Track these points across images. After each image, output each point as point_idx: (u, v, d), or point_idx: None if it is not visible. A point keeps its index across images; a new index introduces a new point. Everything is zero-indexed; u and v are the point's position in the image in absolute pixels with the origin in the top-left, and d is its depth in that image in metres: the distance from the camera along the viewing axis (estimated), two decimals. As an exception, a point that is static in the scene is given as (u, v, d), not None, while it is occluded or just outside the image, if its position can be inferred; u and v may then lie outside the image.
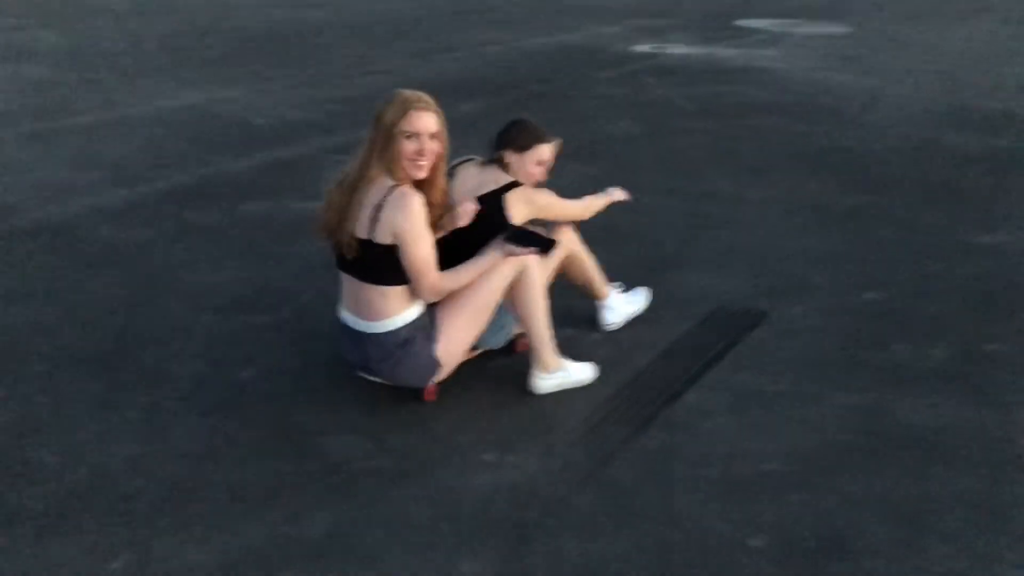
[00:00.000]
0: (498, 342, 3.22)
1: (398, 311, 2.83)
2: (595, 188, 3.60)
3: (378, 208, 2.70)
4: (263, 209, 4.97)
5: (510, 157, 3.21)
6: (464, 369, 3.14)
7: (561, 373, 3.11)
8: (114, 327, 3.53)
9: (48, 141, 6.21)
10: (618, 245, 4.49)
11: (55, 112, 6.97)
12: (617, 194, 3.55)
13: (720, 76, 9.03)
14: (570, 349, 3.25)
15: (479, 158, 3.30)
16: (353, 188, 2.75)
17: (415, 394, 3.01)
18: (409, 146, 2.73)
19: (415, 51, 10.20)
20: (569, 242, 3.39)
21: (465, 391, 3.10)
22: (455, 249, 2.97)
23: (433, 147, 2.78)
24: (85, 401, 3.01)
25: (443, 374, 2.98)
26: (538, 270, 3.02)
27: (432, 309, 2.92)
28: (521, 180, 3.21)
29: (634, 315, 3.65)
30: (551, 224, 3.33)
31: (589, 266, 3.50)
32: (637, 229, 4.73)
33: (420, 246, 2.73)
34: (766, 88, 8.44)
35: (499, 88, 8.24)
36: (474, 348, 3.14)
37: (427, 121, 2.76)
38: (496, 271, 2.93)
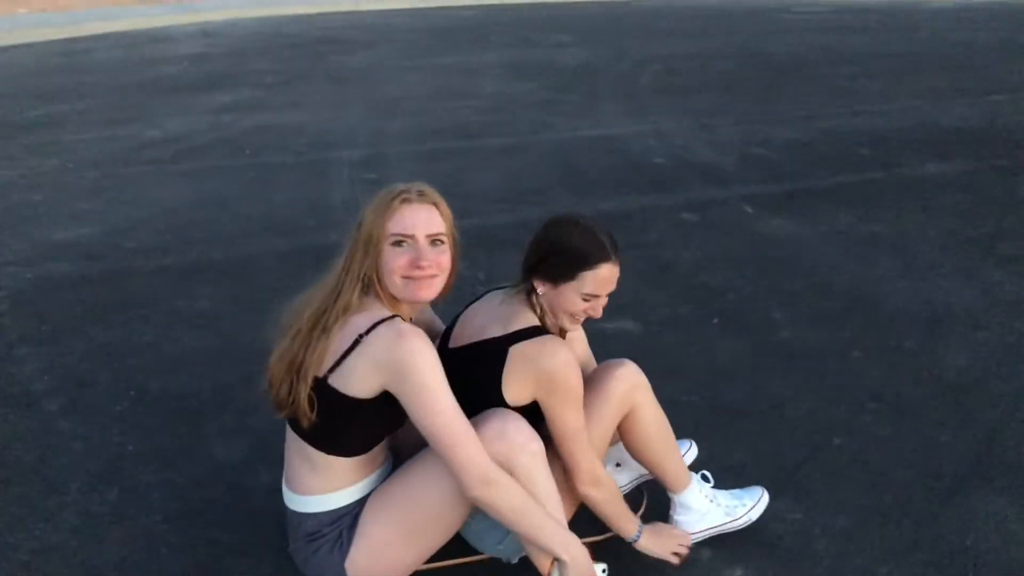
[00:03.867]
0: (510, 553, 2.10)
1: (318, 488, 1.93)
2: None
3: (356, 341, 1.80)
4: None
5: (541, 286, 2.00)
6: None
7: None
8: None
9: (434, 161, 6.26)
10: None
11: (479, 134, 7.03)
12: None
13: None
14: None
15: (511, 287, 2.11)
16: (314, 323, 1.85)
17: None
18: (397, 257, 1.84)
19: (941, 88, 8.28)
20: (627, 378, 2.09)
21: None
22: None
23: (435, 255, 1.87)
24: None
25: None
26: (541, 460, 1.88)
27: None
28: (558, 322, 2.02)
29: (721, 531, 2.21)
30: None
31: (656, 433, 2.15)
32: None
33: (440, 397, 1.77)
34: None
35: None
36: (469, 550, 2.14)
37: (424, 217, 1.86)
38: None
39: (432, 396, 1.76)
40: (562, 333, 2.08)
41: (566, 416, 1.93)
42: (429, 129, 7.11)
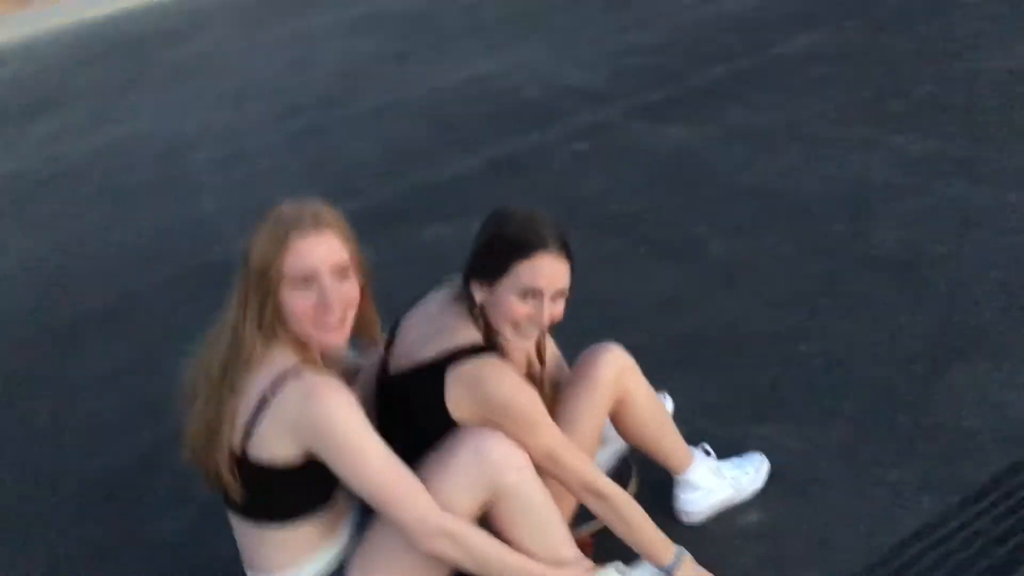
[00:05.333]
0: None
1: (285, 562, 1.68)
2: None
3: (262, 403, 1.56)
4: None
5: (479, 291, 1.75)
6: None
7: None
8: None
9: (299, 142, 5.89)
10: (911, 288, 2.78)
11: (339, 102, 6.65)
12: None
13: None
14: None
15: (451, 285, 1.87)
16: (221, 382, 1.60)
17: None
18: (300, 301, 1.59)
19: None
20: (614, 362, 1.93)
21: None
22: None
23: (343, 292, 1.62)
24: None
25: None
26: (534, 479, 1.70)
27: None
28: (503, 336, 1.75)
29: (731, 503, 2.10)
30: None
31: (651, 415, 2.01)
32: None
33: (366, 455, 1.56)
34: None
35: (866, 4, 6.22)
36: None
37: (324, 249, 1.60)
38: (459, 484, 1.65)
39: (356, 456, 1.55)
40: (541, 361, 1.91)
41: (529, 442, 1.70)
42: (285, 109, 6.70)
